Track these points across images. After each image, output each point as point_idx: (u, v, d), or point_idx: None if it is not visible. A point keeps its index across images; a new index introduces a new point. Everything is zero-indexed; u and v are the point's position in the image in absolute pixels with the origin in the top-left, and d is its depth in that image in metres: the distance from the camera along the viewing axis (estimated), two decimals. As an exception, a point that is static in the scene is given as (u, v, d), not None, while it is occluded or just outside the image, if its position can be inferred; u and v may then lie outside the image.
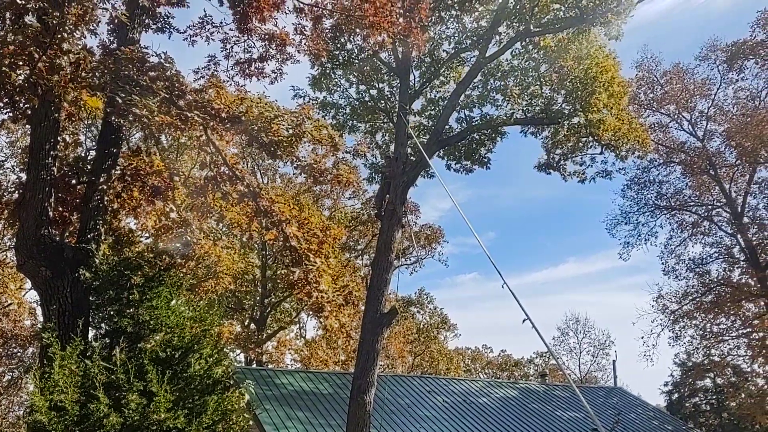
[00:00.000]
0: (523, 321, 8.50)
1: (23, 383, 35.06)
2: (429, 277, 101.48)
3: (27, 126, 13.51)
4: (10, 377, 35.61)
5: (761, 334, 34.70)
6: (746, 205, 35.16)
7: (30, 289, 31.32)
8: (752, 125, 31.51)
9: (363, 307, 19.17)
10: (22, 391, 35.49)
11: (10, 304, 32.25)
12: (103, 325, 10.50)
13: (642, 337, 36.72)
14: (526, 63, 22.38)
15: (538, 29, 20.33)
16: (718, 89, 35.48)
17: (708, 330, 36.75)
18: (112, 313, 10.31)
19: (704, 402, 45.85)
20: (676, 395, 44.66)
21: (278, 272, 34.83)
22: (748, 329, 35.80)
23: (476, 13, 21.74)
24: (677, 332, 36.80)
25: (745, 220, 34.94)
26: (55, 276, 10.22)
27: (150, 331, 10.05)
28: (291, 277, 11.35)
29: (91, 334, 10.54)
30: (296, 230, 11.38)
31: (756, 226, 35.23)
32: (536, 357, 64.18)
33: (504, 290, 9.45)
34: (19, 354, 34.87)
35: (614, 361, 41.29)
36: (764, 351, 34.62)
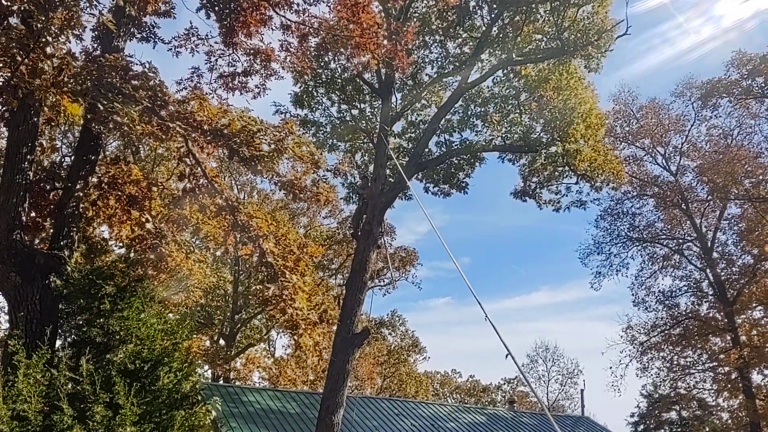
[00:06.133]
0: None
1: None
2: (402, 300, 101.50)
3: (3, 128, 13.32)
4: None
5: (726, 369, 35.13)
6: (716, 241, 35.84)
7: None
8: (724, 162, 32.20)
9: (336, 326, 19.08)
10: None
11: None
12: (71, 334, 10.27)
13: (610, 368, 37.04)
14: (507, 91, 22.70)
15: (519, 58, 20.65)
16: (692, 126, 36.31)
17: (675, 362, 37.15)
18: (81, 322, 10.09)
19: (669, 434, 46.12)
20: (642, 426, 44.72)
21: (251, 288, 34.53)
22: (714, 363, 36.24)
23: (460, 40, 22.04)
24: (645, 363, 37.15)
25: (715, 255, 35.56)
26: (24, 282, 10.00)
27: (119, 342, 9.84)
28: (265, 293, 11.23)
29: (58, 343, 10.31)
30: (273, 246, 11.30)
31: (724, 262, 35.86)
32: (504, 383, 64.20)
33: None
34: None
35: (582, 391, 41.26)
36: (729, 386, 35.04)
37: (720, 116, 34.96)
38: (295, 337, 10.99)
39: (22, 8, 8.32)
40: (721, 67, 32.13)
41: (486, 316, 8.61)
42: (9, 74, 8.91)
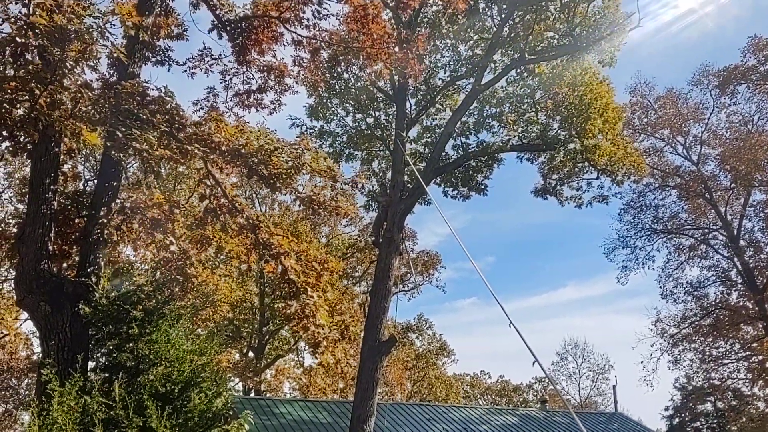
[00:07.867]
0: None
1: (18, 416, 34.65)
2: (428, 303, 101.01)
3: (26, 158, 13.56)
4: (4, 408, 35.22)
5: (760, 357, 34.61)
6: (742, 228, 35.30)
7: (26, 320, 31.16)
8: (745, 149, 31.75)
9: (359, 340, 19.11)
10: (17, 424, 35.06)
11: (6, 335, 31.99)
12: (102, 359, 10.42)
13: (642, 362, 36.63)
14: (522, 90, 22.58)
15: (532, 57, 20.54)
16: (711, 114, 35.81)
17: (707, 353, 36.66)
18: (111, 347, 10.24)
19: (705, 426, 45.36)
20: (677, 420, 44.17)
21: (276, 303, 34.73)
22: (747, 352, 35.71)
23: (471, 42, 22.00)
24: (676, 356, 36.75)
25: (742, 243, 35.03)
26: (54, 311, 10.17)
27: (149, 366, 9.97)
28: (288, 311, 11.30)
29: (90, 365, 10.46)
30: (294, 263, 11.36)
31: (752, 249, 35.34)
32: (535, 382, 63.66)
33: (505, 318, 9.44)
34: (14, 385, 34.52)
35: (614, 386, 40.97)
36: (764, 374, 34.51)
37: (739, 103, 34.50)
38: (317, 355, 11.03)
39: (37, 43, 8.48)
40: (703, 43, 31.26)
41: (510, 323, 8.58)
42: (29, 107, 9.08)
